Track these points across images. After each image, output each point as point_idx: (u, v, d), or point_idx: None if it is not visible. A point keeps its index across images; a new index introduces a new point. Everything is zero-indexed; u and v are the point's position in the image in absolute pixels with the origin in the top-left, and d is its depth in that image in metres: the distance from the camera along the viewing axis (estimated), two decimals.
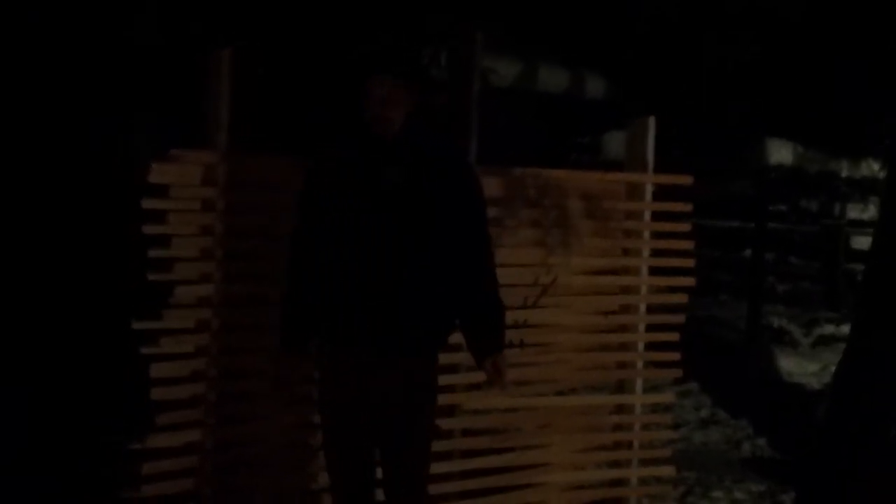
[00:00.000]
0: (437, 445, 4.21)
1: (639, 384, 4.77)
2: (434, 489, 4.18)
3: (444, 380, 4.24)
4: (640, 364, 4.76)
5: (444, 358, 4.22)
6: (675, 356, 4.72)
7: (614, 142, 8.43)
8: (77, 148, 5.10)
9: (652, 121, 4.74)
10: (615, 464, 4.75)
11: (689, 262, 4.72)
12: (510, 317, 4.38)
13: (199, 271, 3.71)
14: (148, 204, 3.58)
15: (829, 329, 9.62)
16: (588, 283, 4.64)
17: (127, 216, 3.70)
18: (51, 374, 4.46)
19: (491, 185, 4.31)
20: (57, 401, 4.32)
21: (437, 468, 4.20)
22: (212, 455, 3.73)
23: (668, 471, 4.82)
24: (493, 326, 3.26)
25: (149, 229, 3.59)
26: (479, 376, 4.32)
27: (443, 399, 4.22)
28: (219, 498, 3.74)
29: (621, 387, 4.77)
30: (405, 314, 3.14)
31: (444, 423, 4.25)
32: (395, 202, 3.12)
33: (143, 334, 3.60)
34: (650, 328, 4.73)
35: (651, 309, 4.73)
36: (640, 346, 4.73)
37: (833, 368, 5.97)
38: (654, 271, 4.73)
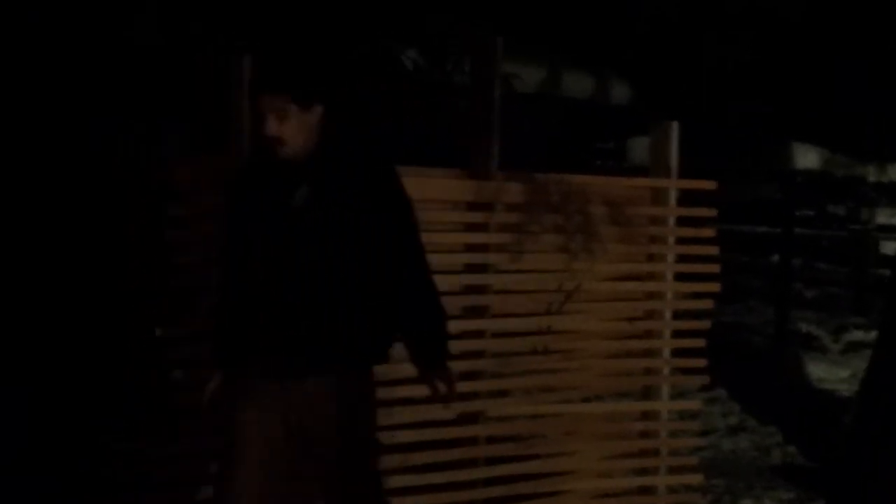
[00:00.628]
0: (462, 453, 4.22)
1: (665, 391, 4.73)
2: (458, 497, 4.18)
3: (467, 386, 4.24)
4: (666, 370, 4.72)
5: (467, 365, 4.23)
6: (701, 362, 4.69)
7: (638, 147, 8.39)
8: (79, 149, 5.07)
9: (676, 126, 4.72)
10: (642, 471, 4.71)
11: (715, 268, 4.70)
12: (535, 323, 4.39)
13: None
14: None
15: (858, 335, 9.53)
16: (613, 289, 4.61)
17: (127, 218, 3.66)
18: (53, 374, 4.46)
19: (514, 191, 4.31)
20: (58, 401, 4.32)
21: (460, 475, 4.19)
22: None
23: (696, 479, 4.78)
24: (435, 337, 3.15)
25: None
26: (503, 383, 4.35)
27: (466, 406, 4.22)
28: None
29: (647, 393, 4.74)
30: (330, 331, 2.98)
31: (468, 431, 4.23)
32: (307, 223, 2.97)
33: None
34: (676, 334, 4.70)
35: (677, 315, 4.70)
36: (667, 352, 4.70)
37: (862, 375, 5.91)
38: (679, 277, 4.70)
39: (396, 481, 4.04)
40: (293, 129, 2.95)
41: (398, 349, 4.03)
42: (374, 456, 3.20)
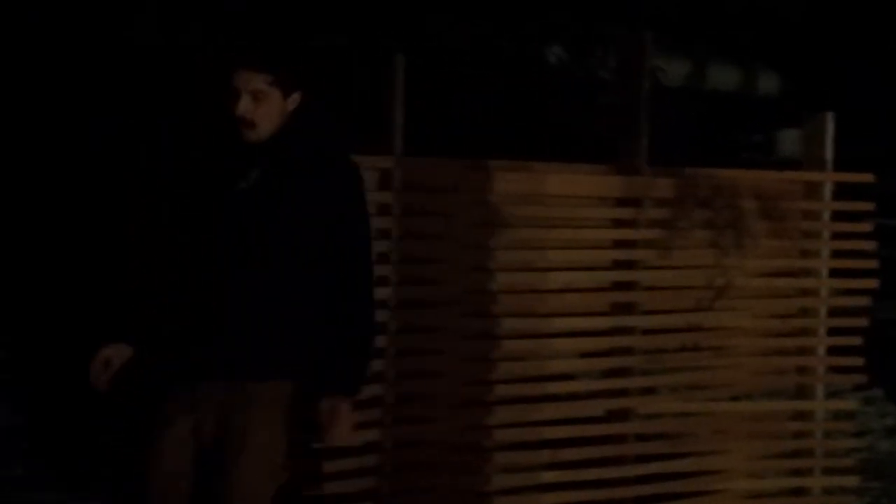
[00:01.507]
0: (611, 450, 4.21)
1: (820, 390, 4.62)
2: (607, 494, 4.17)
3: (616, 384, 4.24)
4: (820, 369, 4.60)
5: (616, 362, 4.23)
6: (858, 361, 4.56)
7: (788, 139, 8.19)
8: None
9: (830, 117, 4.60)
10: (796, 472, 4.61)
11: (872, 264, 4.56)
12: (684, 319, 4.35)
13: (376, 274, 3.79)
14: None
15: None
16: (765, 285, 4.53)
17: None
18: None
19: (663, 186, 4.28)
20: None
21: (610, 473, 4.19)
22: (391, 454, 3.81)
23: (851, 480, 4.65)
24: (349, 358, 2.78)
25: None
26: (653, 380, 4.33)
27: (616, 403, 4.22)
28: (397, 497, 3.82)
29: (801, 392, 4.63)
30: (248, 334, 2.74)
31: (617, 428, 4.22)
32: (247, 213, 2.74)
33: None
34: (831, 332, 4.58)
35: (832, 312, 4.58)
36: (821, 350, 4.59)
37: None
38: (834, 273, 4.58)
39: (545, 477, 4.07)
40: (267, 113, 2.74)
41: (544, 345, 4.09)
42: (271, 481, 2.79)
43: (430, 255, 3.92)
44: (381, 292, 3.78)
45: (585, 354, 4.23)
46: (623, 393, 4.23)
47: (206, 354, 2.76)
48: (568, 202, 4.13)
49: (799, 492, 4.60)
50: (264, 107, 2.73)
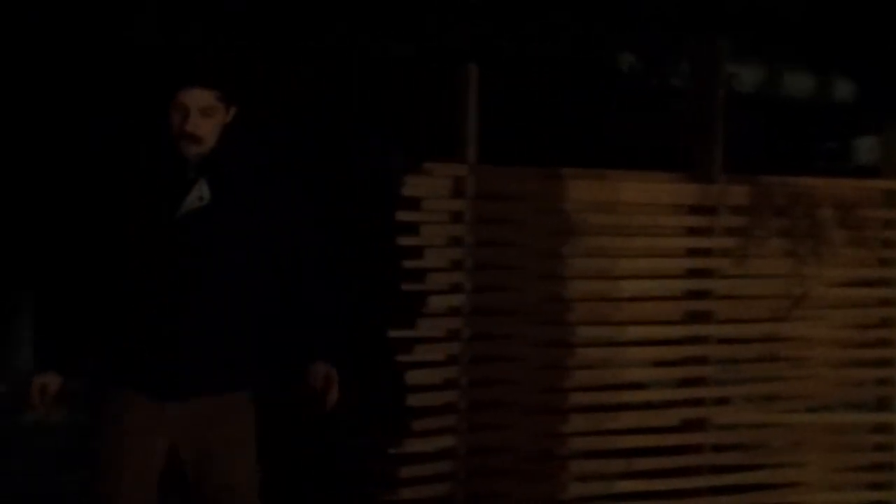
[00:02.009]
0: (686, 460, 4.17)
1: None
2: None
3: (690, 393, 4.20)
4: None
5: (693, 371, 4.19)
6: None
7: (864, 147, 8.05)
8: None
9: None
10: (874, 486, 4.52)
11: None
12: (760, 329, 4.30)
13: (450, 281, 3.82)
14: (402, 216, 3.72)
15: None
16: (843, 295, 4.46)
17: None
18: None
19: (738, 194, 4.24)
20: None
21: (685, 483, 4.15)
22: (465, 460, 3.83)
23: None
24: (328, 331, 2.86)
25: (403, 240, 3.73)
26: (728, 390, 4.28)
27: (691, 413, 4.18)
28: (471, 503, 3.83)
29: (881, 404, 4.55)
30: (210, 349, 2.78)
31: (692, 438, 4.18)
32: (201, 227, 2.77)
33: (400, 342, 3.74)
34: None
35: None
36: None
37: None
38: None
39: (620, 486, 4.05)
40: (213, 127, 2.80)
41: (618, 353, 4.07)
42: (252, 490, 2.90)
43: (503, 262, 3.93)
44: (455, 299, 3.82)
45: (660, 363, 4.20)
46: (698, 403, 4.19)
47: (169, 373, 2.79)
48: (642, 210, 4.11)
49: None
50: (212, 122, 2.80)
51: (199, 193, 2.78)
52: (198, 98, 2.78)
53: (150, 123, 2.86)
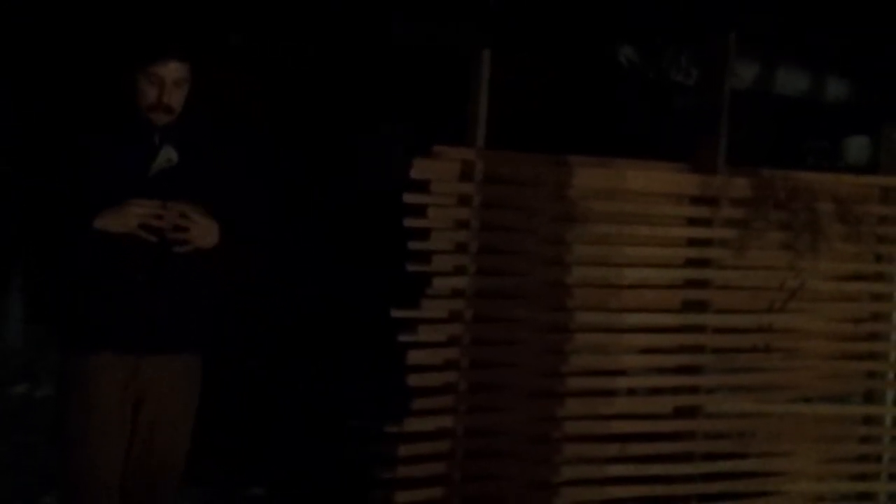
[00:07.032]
0: (679, 447, 4.23)
1: (889, 395, 4.61)
2: (674, 490, 4.19)
3: (685, 381, 4.25)
4: (891, 374, 4.60)
5: (689, 359, 4.24)
6: None
7: (854, 147, 8.11)
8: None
9: None
10: (862, 477, 4.60)
11: None
12: (755, 320, 4.35)
13: (454, 263, 3.85)
14: (410, 198, 3.74)
15: None
16: (838, 288, 4.52)
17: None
18: None
19: (740, 187, 4.29)
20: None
21: (676, 469, 4.20)
22: (462, 441, 3.86)
23: None
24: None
25: (410, 222, 3.75)
26: (723, 379, 4.33)
27: (686, 400, 4.23)
28: (468, 483, 3.87)
29: (870, 397, 4.62)
30: (165, 306, 2.96)
31: (685, 425, 4.24)
32: (160, 191, 2.94)
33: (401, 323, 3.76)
34: None
35: None
36: (892, 355, 4.57)
37: None
38: None
39: (613, 470, 4.10)
40: (182, 98, 3.00)
41: (616, 340, 4.11)
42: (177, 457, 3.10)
43: (507, 246, 3.96)
44: (458, 282, 3.86)
45: (657, 351, 4.25)
46: (693, 390, 4.24)
47: (146, 324, 2.96)
48: (645, 199, 4.16)
49: (864, 496, 4.58)
50: (182, 93, 2.99)
51: (168, 156, 2.98)
52: (173, 70, 2.96)
53: (113, 91, 3.03)
